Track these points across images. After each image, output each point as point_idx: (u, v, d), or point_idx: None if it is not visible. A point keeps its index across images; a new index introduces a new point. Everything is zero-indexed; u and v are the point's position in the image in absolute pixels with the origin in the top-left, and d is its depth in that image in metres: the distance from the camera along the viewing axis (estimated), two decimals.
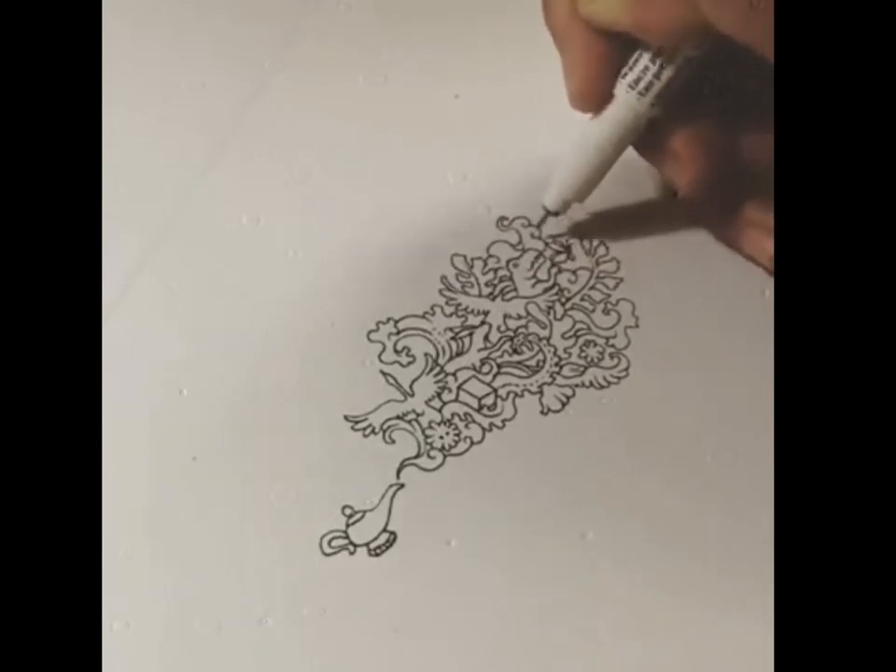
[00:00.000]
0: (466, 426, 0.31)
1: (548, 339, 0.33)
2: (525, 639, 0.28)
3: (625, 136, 0.31)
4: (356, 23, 0.39)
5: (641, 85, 0.30)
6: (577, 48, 0.30)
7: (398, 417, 0.32)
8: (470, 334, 0.33)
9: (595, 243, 0.35)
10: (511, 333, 0.33)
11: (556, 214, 0.34)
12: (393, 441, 0.31)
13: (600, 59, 0.30)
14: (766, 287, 0.33)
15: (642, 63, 0.30)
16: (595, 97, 0.31)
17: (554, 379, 0.32)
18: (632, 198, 0.35)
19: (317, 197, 0.36)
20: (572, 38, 0.30)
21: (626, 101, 0.30)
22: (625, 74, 0.30)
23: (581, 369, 0.32)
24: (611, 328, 0.33)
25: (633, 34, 0.29)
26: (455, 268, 0.34)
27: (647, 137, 0.31)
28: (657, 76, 0.30)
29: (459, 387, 0.32)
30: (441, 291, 0.34)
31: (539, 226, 0.35)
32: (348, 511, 0.30)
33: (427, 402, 0.32)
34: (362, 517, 0.30)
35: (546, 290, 0.34)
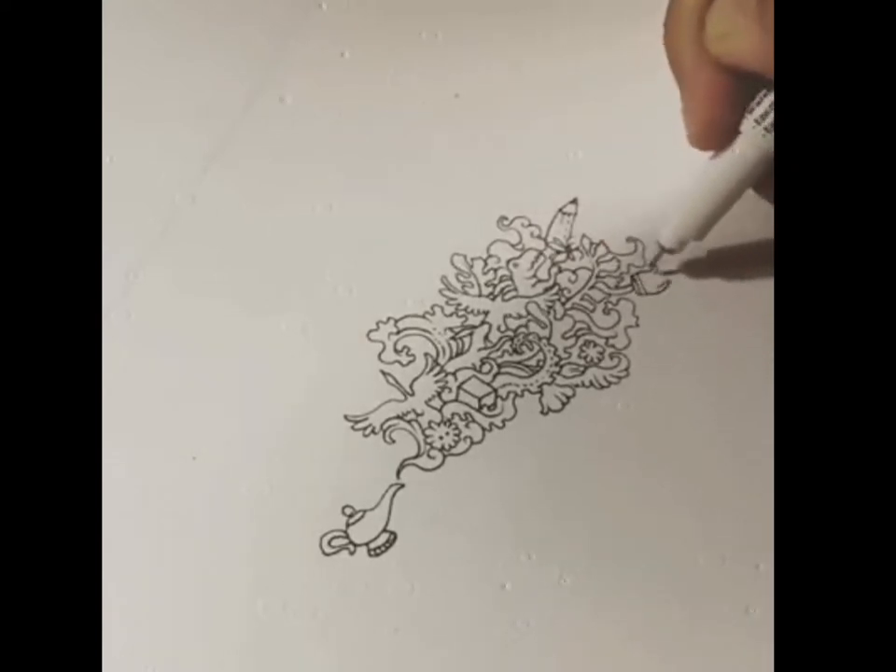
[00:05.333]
0: (466, 425, 0.31)
1: (548, 339, 0.33)
2: (526, 640, 0.28)
3: (750, 175, 0.30)
4: (356, 22, 0.39)
5: (768, 121, 0.28)
6: (702, 86, 0.28)
7: (398, 417, 0.32)
8: (470, 334, 0.33)
9: (596, 242, 0.35)
10: (511, 333, 0.33)
11: (672, 252, 0.32)
12: (393, 441, 0.31)
13: (726, 97, 0.28)
14: (770, 287, 0.33)
15: (770, 99, 0.28)
16: (718, 136, 0.29)
17: (554, 379, 0.32)
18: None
19: (317, 197, 0.36)
20: (699, 77, 0.28)
21: (753, 137, 0.29)
22: (752, 109, 0.29)
23: (582, 368, 0.32)
24: (611, 328, 0.33)
25: (765, 74, 0.27)
26: (455, 268, 0.34)
27: (769, 177, 0.30)
28: None
29: (459, 387, 0.32)
30: (440, 291, 0.34)
31: (652, 263, 0.33)
32: (348, 511, 0.30)
33: (427, 402, 0.32)
34: (362, 517, 0.30)
35: (546, 290, 0.34)
